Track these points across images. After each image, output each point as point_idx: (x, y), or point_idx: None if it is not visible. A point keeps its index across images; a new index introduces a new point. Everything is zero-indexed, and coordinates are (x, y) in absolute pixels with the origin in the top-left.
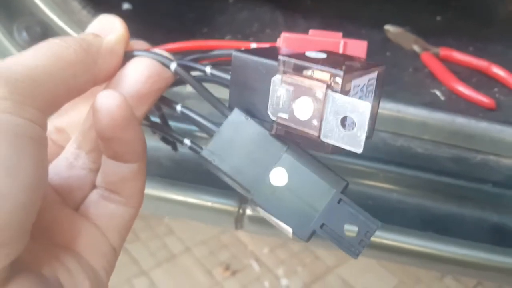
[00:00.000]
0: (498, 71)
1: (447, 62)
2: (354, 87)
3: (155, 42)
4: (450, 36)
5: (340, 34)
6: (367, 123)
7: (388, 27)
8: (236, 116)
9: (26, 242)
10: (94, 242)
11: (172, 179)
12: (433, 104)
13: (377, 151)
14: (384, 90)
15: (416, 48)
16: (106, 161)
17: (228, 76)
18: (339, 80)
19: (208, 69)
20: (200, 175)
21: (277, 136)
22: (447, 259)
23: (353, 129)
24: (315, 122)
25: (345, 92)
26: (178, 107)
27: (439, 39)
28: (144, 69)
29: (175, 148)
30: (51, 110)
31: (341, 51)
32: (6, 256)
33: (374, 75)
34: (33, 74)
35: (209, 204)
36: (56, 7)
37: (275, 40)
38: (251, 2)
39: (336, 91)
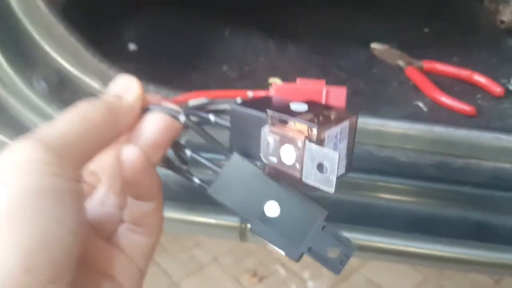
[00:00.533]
0: (480, 78)
1: (430, 74)
2: (328, 136)
3: (160, 76)
4: (437, 47)
5: (323, 82)
6: (336, 168)
7: (374, 45)
8: (236, 159)
9: (73, 277)
10: (125, 267)
11: (180, 200)
12: (415, 115)
13: (364, 162)
14: (370, 104)
15: (400, 63)
16: (131, 200)
17: (228, 123)
18: (315, 131)
19: (212, 118)
20: (205, 196)
21: (269, 175)
22: (432, 256)
23: (326, 172)
24: (297, 165)
25: (320, 141)
26: (188, 152)
27: (427, 51)
28: (158, 123)
29: (190, 181)
30: (84, 164)
31: (324, 97)
32: None
33: (346, 124)
34: (68, 140)
35: (214, 221)
36: (69, 57)
37: (268, 66)
38: (245, 33)
39: (312, 141)
